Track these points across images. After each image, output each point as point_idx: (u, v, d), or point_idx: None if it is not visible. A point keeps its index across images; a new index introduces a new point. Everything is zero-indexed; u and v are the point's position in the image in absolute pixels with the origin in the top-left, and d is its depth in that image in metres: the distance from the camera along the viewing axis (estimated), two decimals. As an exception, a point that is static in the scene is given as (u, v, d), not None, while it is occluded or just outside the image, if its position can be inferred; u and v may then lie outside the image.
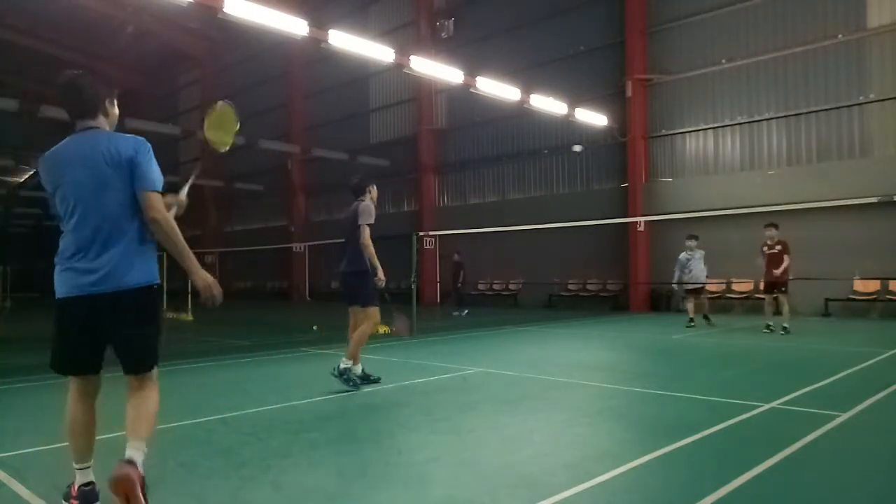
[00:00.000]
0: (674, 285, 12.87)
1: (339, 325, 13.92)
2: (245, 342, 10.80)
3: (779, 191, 15.69)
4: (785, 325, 11.02)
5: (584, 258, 19.63)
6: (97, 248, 2.92)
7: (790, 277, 11.11)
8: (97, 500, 3.03)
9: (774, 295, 11.32)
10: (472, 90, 16.06)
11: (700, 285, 12.42)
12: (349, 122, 27.98)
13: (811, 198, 14.72)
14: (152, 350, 3.05)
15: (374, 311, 6.23)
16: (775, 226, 11.23)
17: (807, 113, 15.88)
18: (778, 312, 11.29)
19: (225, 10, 10.16)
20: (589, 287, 19.73)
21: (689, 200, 17.16)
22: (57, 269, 2.98)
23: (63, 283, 2.94)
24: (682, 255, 12.47)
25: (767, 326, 11.27)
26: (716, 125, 17.45)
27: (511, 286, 21.85)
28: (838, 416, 4.69)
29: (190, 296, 19.28)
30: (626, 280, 18.23)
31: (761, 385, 6.25)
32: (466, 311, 17.37)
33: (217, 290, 3.02)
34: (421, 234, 17.16)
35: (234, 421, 4.88)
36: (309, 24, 11.42)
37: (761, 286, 11.91)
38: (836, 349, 9.18)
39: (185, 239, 2.93)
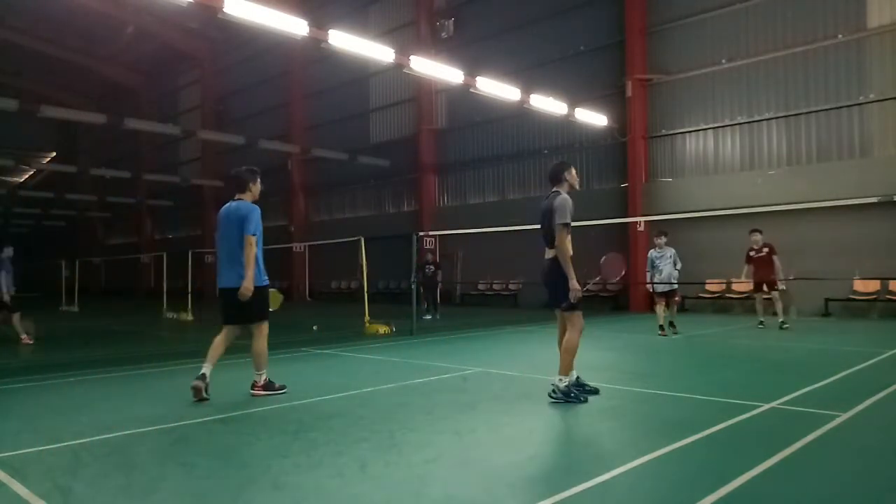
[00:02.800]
0: (648, 286, 11.96)
1: (338, 326, 13.95)
2: (245, 342, 10.79)
3: (779, 191, 15.69)
4: (781, 319, 11.80)
5: (584, 258, 19.50)
6: (227, 264, 5.72)
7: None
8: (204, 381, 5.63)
9: (766, 295, 12.06)
10: (472, 90, 16.04)
11: (670, 288, 11.36)
12: (349, 122, 27.97)
13: (811, 198, 14.70)
14: (261, 312, 5.92)
15: (577, 317, 5.45)
16: (759, 231, 12.02)
17: (807, 113, 15.87)
18: (775, 311, 12.01)
19: (225, 10, 10.14)
20: (589, 287, 19.68)
21: (689, 200, 17.15)
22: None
23: (218, 280, 5.77)
24: (652, 252, 11.46)
25: (760, 323, 12.03)
26: (716, 125, 17.45)
27: (511, 286, 21.84)
28: (838, 416, 4.69)
29: (190, 296, 19.32)
30: (626, 280, 18.21)
31: (761, 385, 6.25)
32: (428, 316, 16.26)
33: (249, 293, 5.62)
34: (421, 234, 17.15)
35: (234, 421, 4.88)
36: (309, 24, 11.41)
37: (751, 287, 12.64)
38: (836, 349, 9.18)
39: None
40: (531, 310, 18.90)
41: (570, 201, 5.47)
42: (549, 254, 5.54)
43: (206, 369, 5.65)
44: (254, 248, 5.61)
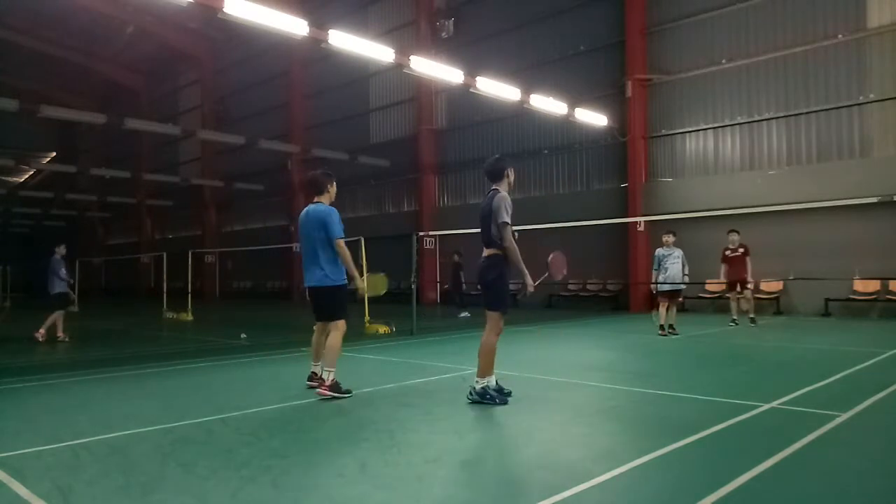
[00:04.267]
0: (651, 285, 11.92)
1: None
2: (245, 342, 10.80)
3: (779, 191, 15.69)
4: (751, 316, 12.68)
5: (584, 258, 19.58)
6: (308, 264, 5.88)
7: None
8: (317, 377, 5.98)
9: (739, 293, 12.70)
10: (472, 90, 16.04)
11: (677, 289, 11.02)
12: (349, 122, 27.96)
13: (811, 198, 14.71)
14: (336, 311, 5.90)
15: (499, 319, 5.56)
16: (737, 232, 12.58)
17: (807, 113, 15.87)
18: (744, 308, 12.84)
19: (225, 10, 10.14)
20: (589, 287, 19.72)
21: (689, 200, 17.15)
22: None
23: (305, 279, 5.94)
24: (659, 251, 11.22)
25: (733, 321, 12.52)
26: (716, 125, 17.45)
27: (511, 286, 21.82)
28: (838, 416, 4.69)
29: (190, 296, 19.31)
30: (626, 280, 18.21)
31: (761, 385, 6.25)
32: (465, 314, 16.89)
33: (362, 288, 6.19)
34: (421, 234, 17.15)
35: (234, 421, 4.88)
36: (309, 24, 11.40)
37: (724, 287, 13.33)
38: (836, 349, 9.18)
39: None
40: (530, 310, 18.91)
41: (508, 199, 5.42)
42: (484, 253, 5.57)
43: (315, 368, 6.03)
44: (345, 249, 5.83)
